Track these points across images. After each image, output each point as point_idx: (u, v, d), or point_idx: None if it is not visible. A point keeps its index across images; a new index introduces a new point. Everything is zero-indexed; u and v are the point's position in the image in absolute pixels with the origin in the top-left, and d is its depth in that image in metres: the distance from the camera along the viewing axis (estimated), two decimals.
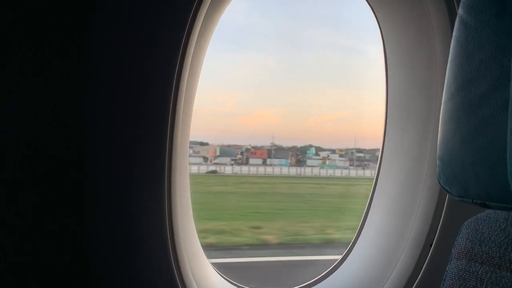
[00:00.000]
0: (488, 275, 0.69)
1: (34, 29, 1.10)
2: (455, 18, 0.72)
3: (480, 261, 0.71)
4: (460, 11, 0.70)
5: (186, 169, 1.42)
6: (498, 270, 0.68)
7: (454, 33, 0.71)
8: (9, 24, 1.09)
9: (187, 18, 1.17)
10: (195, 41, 1.22)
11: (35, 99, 1.11)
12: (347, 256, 1.71)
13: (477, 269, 0.71)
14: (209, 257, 1.53)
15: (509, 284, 0.65)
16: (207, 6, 1.22)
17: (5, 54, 1.09)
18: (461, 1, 0.71)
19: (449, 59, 0.71)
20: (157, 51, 1.16)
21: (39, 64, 1.11)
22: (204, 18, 1.23)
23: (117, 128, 1.15)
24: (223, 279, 1.54)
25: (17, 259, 1.13)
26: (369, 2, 1.62)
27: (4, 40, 1.09)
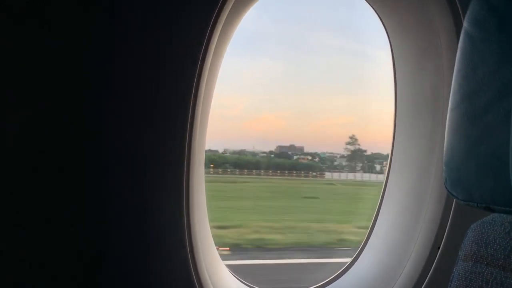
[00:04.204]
0: (493, 276, 0.71)
1: (51, 28, 1.12)
2: (461, 30, 0.75)
3: (485, 263, 0.74)
4: (465, 23, 0.73)
5: (202, 173, 1.43)
6: (502, 272, 0.70)
7: (459, 46, 0.74)
8: (28, 23, 1.11)
9: (207, 26, 1.19)
10: (213, 48, 1.24)
11: (51, 100, 1.13)
12: (357, 258, 1.72)
13: (483, 270, 0.73)
14: None
15: None
16: (227, 14, 1.25)
17: (30, 53, 1.12)
18: (466, 14, 0.74)
19: (455, 70, 0.74)
20: (177, 58, 1.18)
21: (57, 65, 1.13)
22: (223, 25, 1.25)
23: (137, 131, 1.18)
24: (238, 281, 1.56)
25: (33, 257, 1.15)
26: (379, 15, 1.63)
27: (18, 39, 1.11)
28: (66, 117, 1.14)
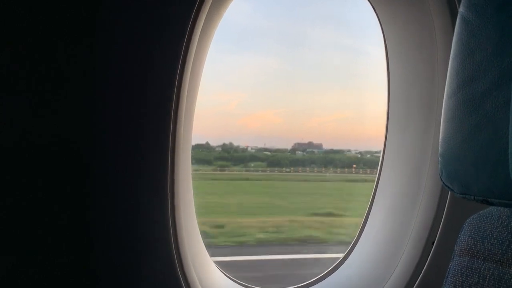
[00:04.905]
0: (491, 271, 0.69)
1: (36, 29, 1.10)
2: (456, 16, 0.72)
3: (482, 258, 0.71)
4: (461, 8, 0.71)
5: (189, 169, 1.42)
6: (500, 267, 0.68)
7: (455, 31, 0.71)
8: (12, 24, 1.09)
9: (188, 19, 1.17)
10: (196, 42, 1.22)
11: (37, 98, 1.11)
12: (350, 254, 1.71)
13: (480, 265, 0.71)
14: None
15: (511, 280, 0.65)
16: (209, 6, 1.23)
17: (8, 53, 1.10)
18: None
19: (451, 56, 0.72)
20: (159, 52, 1.16)
21: (42, 64, 1.11)
22: (205, 18, 1.24)
23: (119, 129, 1.15)
24: (226, 277, 1.55)
25: (18, 260, 1.13)
26: (371, 1, 1.61)
27: (7, 39, 1.09)
28: (47, 115, 1.12)
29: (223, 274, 1.55)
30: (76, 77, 1.13)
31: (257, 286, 1.55)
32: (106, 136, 1.15)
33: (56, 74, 1.12)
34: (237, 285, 1.53)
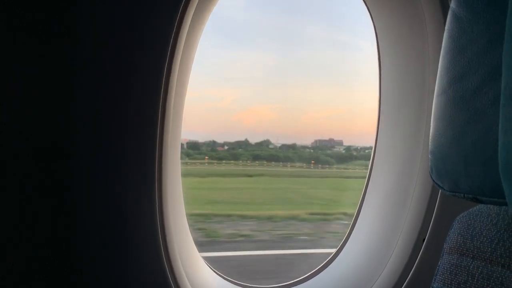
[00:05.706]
0: (479, 269, 0.69)
1: (20, 24, 1.08)
2: (447, 12, 0.72)
3: (471, 255, 0.71)
4: (452, 4, 0.70)
5: (178, 166, 1.41)
6: (489, 265, 0.67)
7: (446, 27, 0.71)
8: None
9: (176, 13, 1.15)
10: (184, 37, 1.21)
11: (21, 96, 1.09)
12: (341, 251, 1.71)
13: (469, 263, 0.71)
14: None
15: (500, 278, 0.65)
16: (197, 1, 1.21)
17: None
18: None
19: (442, 53, 0.71)
20: (146, 48, 1.15)
21: (26, 60, 1.09)
22: (194, 12, 1.22)
23: (106, 127, 1.14)
24: (215, 273, 1.54)
25: (4, 260, 1.12)
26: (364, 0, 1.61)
27: None
28: (34, 113, 1.11)
29: (211, 270, 1.54)
30: (62, 75, 1.11)
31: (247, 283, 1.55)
32: (91, 134, 1.14)
33: (42, 73, 1.10)
34: (225, 281, 1.52)
